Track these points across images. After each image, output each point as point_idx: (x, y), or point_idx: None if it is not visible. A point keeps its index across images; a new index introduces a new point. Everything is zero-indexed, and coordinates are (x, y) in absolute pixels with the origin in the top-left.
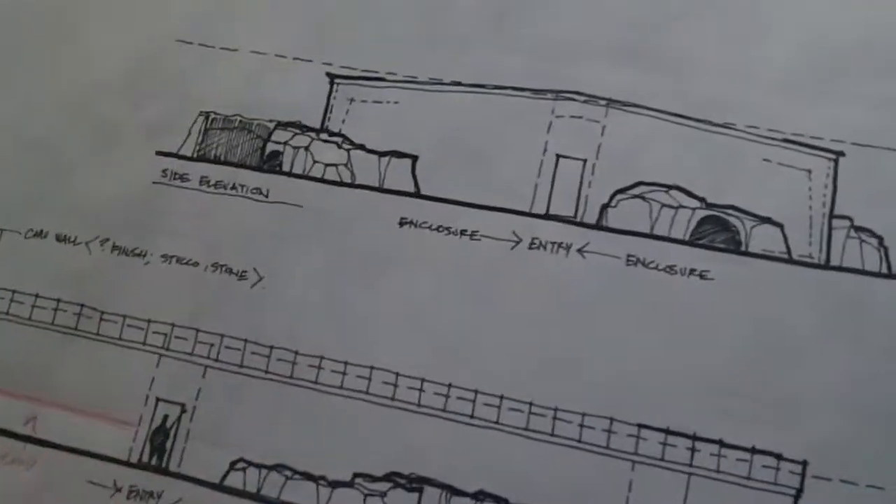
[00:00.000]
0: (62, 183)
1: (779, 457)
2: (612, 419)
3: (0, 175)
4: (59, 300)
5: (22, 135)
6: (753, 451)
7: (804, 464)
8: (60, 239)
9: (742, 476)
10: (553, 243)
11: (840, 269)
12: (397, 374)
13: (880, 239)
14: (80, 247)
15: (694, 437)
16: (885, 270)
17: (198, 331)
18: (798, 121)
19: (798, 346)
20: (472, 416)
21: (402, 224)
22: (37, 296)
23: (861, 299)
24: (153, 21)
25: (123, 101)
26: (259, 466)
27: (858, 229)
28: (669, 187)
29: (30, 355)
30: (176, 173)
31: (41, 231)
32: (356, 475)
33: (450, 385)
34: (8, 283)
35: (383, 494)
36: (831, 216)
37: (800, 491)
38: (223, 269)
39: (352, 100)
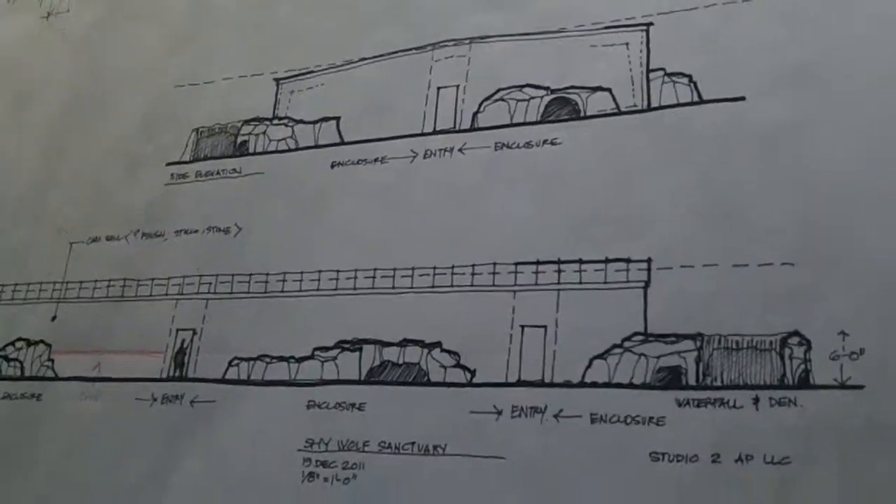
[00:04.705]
0: (108, 201)
1: (627, 260)
2: (494, 263)
3: (71, 201)
4: (109, 280)
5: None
6: (607, 261)
7: (649, 261)
8: (109, 238)
9: (600, 282)
10: (440, 149)
11: (660, 108)
12: (338, 271)
13: (689, 77)
14: (122, 241)
15: (559, 262)
16: (696, 99)
17: (200, 275)
18: (614, 11)
19: (636, 175)
20: (393, 288)
21: (332, 166)
22: (95, 280)
23: (681, 125)
24: (157, 78)
25: (143, 137)
26: (248, 360)
27: (671, 75)
28: (522, 86)
29: (92, 322)
30: (179, 174)
31: (97, 237)
32: (315, 349)
33: (375, 269)
34: (81, 277)
35: (334, 359)
36: (647, 71)
37: (647, 283)
38: (214, 229)
39: (292, 91)
